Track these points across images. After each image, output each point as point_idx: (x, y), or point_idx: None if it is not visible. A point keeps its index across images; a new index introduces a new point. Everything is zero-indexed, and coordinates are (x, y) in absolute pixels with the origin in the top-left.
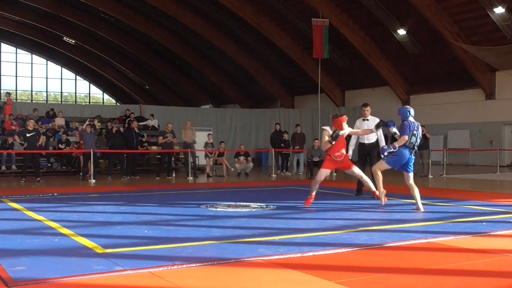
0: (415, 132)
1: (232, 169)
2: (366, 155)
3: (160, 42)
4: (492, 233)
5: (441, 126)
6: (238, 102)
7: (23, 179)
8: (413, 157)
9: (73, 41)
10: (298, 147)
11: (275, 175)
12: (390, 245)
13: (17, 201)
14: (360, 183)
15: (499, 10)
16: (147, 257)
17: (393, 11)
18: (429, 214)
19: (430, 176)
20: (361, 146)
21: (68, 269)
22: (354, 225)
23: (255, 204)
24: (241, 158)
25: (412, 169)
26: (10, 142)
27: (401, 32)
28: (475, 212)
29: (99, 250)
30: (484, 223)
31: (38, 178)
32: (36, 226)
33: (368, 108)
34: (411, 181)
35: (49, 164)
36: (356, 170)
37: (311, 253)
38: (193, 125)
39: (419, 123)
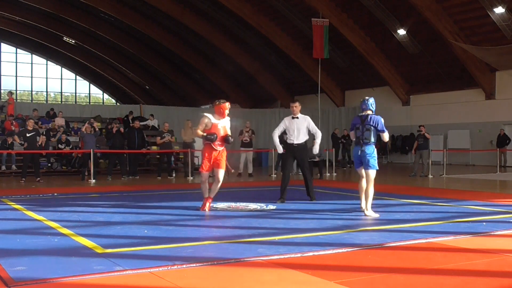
0: (358, 125)
1: (233, 171)
2: (294, 157)
3: (160, 42)
4: (492, 233)
5: (441, 126)
6: (238, 102)
7: (23, 179)
8: (366, 152)
9: (73, 41)
10: None
11: (275, 175)
12: (390, 245)
13: (17, 201)
14: (284, 189)
15: (499, 10)
16: (147, 257)
17: (393, 11)
18: (429, 214)
19: (430, 176)
20: (288, 147)
21: (68, 269)
22: (354, 225)
23: (255, 204)
24: (245, 133)
25: (369, 165)
26: (10, 142)
27: (401, 32)
28: (475, 212)
29: (99, 250)
30: (484, 223)
31: (38, 178)
32: (36, 226)
33: (297, 104)
34: (364, 182)
35: (49, 164)
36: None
37: (311, 253)
38: (194, 125)
39: (369, 115)
